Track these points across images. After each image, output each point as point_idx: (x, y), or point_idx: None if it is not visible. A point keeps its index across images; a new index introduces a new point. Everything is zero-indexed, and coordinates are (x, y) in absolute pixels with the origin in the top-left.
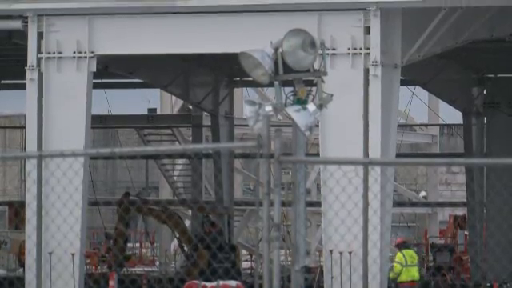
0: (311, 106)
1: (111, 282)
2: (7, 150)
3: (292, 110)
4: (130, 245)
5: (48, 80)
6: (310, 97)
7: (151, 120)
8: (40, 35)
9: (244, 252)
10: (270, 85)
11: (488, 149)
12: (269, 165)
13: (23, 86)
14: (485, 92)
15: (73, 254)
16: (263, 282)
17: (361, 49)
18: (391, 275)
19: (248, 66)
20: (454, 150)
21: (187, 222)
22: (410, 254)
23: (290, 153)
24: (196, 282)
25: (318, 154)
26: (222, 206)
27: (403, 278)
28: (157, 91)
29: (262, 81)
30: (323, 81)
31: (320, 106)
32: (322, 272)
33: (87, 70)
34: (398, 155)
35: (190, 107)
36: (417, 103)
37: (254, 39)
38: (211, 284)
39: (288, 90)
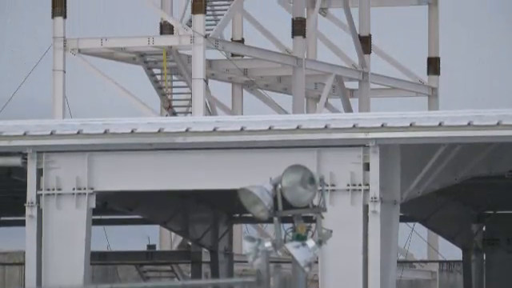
0: (310, 242)
1: None
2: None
3: (291, 246)
4: None
5: (47, 217)
6: (310, 233)
7: (150, 256)
8: (39, 172)
9: None
10: (270, 221)
11: (488, 286)
12: None
13: (22, 223)
14: (484, 228)
15: None
16: None
17: (360, 185)
18: None
19: (247, 202)
20: (454, 287)
21: None
22: None
23: None
24: None
25: None
26: None
27: None
28: (156, 227)
29: (262, 217)
30: (322, 217)
31: (319, 243)
32: None
33: (86, 206)
34: None
35: (190, 243)
36: (416, 239)
37: (253, 175)
38: None
39: (287, 226)
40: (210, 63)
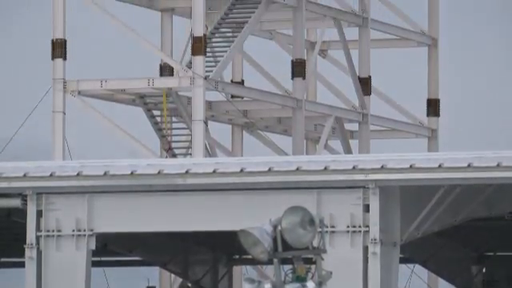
0: (310, 284)
1: None
2: None
3: None
4: None
5: (47, 258)
6: (310, 274)
7: None
8: (39, 213)
9: None
10: (270, 262)
11: None
12: None
13: (22, 265)
14: (484, 270)
15: None
16: None
17: (360, 226)
18: None
19: (247, 243)
20: None
21: None
22: None
23: None
24: None
25: None
26: None
27: None
28: (156, 269)
29: (261, 258)
30: (322, 258)
31: (319, 284)
32: None
33: (86, 248)
34: None
35: (189, 285)
36: (416, 281)
37: (252, 217)
38: None
39: (287, 267)
40: (209, 105)
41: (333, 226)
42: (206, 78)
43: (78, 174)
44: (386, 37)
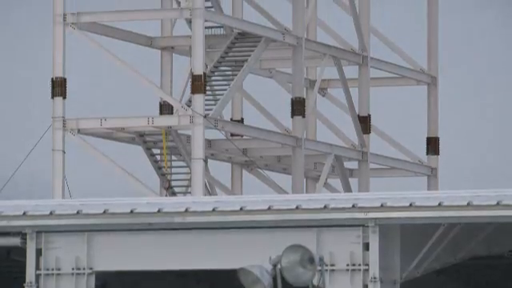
0: None
1: None
2: None
3: None
4: None
5: None
6: None
7: None
8: (39, 252)
9: None
10: None
11: None
12: None
13: None
14: None
15: None
16: None
17: (359, 265)
18: None
19: (247, 282)
20: None
21: None
22: None
23: None
24: None
25: None
26: None
27: None
28: None
29: None
30: None
31: None
32: None
33: (86, 286)
34: None
35: None
36: None
37: (252, 255)
38: None
39: None
40: (209, 143)
41: (332, 265)
42: (205, 116)
43: (77, 213)
44: (385, 75)
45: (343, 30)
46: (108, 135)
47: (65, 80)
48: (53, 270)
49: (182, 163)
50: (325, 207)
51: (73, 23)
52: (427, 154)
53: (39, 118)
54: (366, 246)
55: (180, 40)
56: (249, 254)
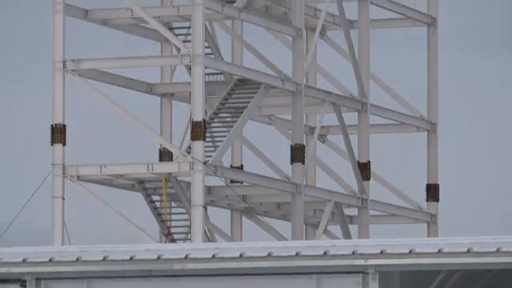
0: None
1: None
2: None
3: None
4: None
5: None
6: None
7: None
8: None
9: None
10: None
11: None
12: None
13: None
14: None
15: None
16: None
17: None
18: None
19: None
20: None
21: None
22: None
23: None
24: None
25: None
26: None
27: None
28: None
29: None
30: None
31: None
32: None
33: None
34: None
35: None
36: None
37: None
38: None
39: None
40: (209, 190)
41: None
42: (205, 163)
43: (77, 260)
44: (385, 122)
45: (343, 77)
46: (108, 182)
47: (64, 126)
48: None
49: (181, 210)
50: (324, 254)
51: (73, 70)
52: (427, 200)
53: (39, 165)
54: None
55: (180, 86)
56: None
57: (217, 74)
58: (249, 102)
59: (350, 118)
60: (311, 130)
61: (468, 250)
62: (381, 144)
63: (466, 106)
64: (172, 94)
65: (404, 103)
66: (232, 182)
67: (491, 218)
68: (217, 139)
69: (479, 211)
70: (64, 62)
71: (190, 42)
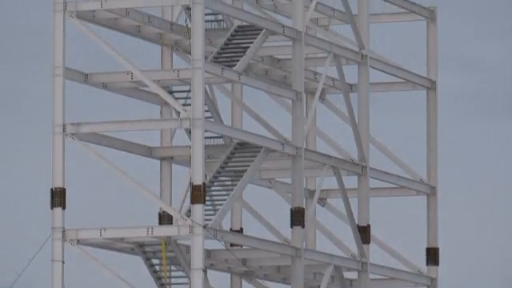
0: None
1: None
2: None
3: None
4: None
5: None
6: None
7: None
8: None
9: None
10: None
11: None
12: None
13: None
14: None
15: None
16: None
17: None
18: None
19: None
20: None
21: None
22: None
23: None
24: None
25: None
26: None
27: None
28: None
29: None
30: None
31: None
32: None
33: None
34: None
35: None
36: None
37: None
38: None
39: None
40: (208, 253)
41: None
42: (205, 226)
43: None
44: (384, 185)
45: (342, 140)
46: (107, 245)
47: (64, 190)
48: None
49: (181, 273)
50: None
51: (72, 133)
52: (427, 264)
53: (39, 228)
54: None
55: (179, 150)
56: None
57: (217, 137)
58: (248, 166)
59: (350, 181)
60: (311, 193)
61: None
62: (381, 207)
63: (466, 169)
64: (172, 158)
65: (404, 167)
66: (232, 245)
67: (491, 283)
68: (216, 203)
69: (479, 275)
70: (64, 126)
71: (189, 105)
